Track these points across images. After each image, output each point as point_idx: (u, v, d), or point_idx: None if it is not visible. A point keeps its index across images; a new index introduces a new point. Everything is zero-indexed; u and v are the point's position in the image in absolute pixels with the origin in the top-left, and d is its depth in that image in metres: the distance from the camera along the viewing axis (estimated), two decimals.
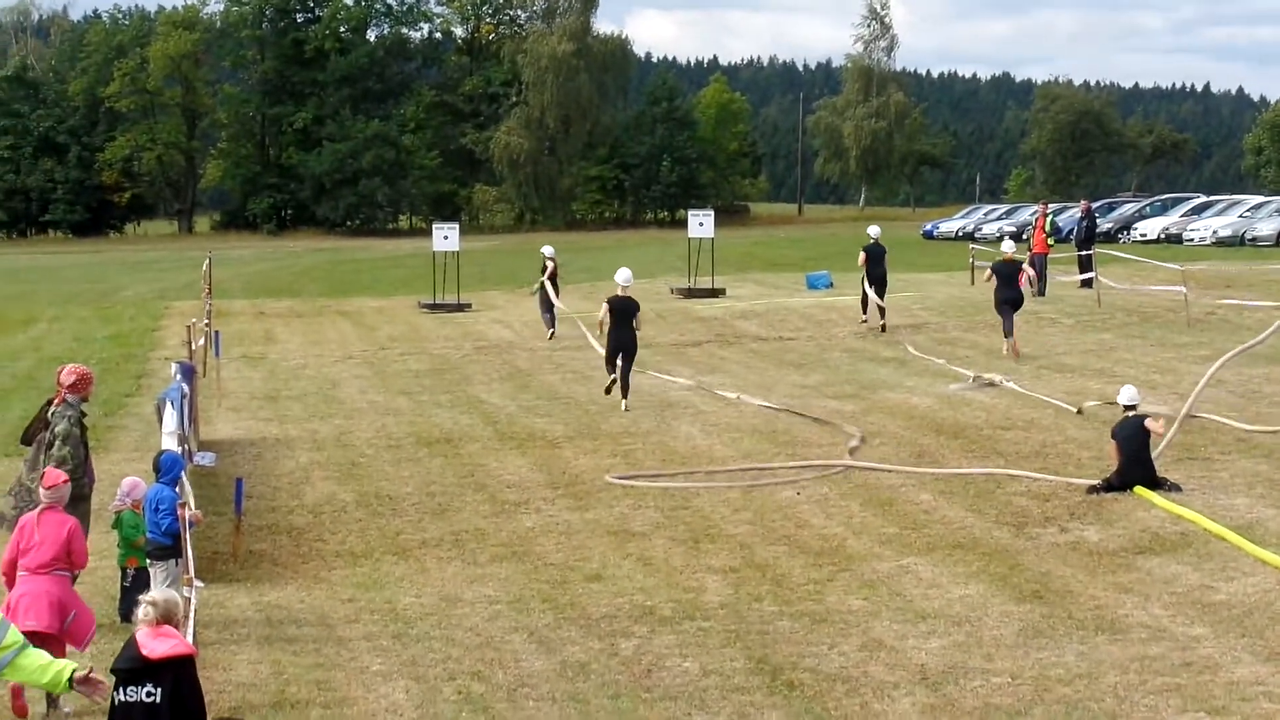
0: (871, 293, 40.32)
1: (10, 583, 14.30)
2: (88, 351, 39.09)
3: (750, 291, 52.64)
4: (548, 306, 41.44)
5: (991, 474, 22.72)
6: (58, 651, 14.02)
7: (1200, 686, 13.79)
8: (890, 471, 23.31)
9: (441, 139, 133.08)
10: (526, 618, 16.59)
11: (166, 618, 10.32)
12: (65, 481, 14.68)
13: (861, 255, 40.97)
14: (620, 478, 23.32)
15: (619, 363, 29.57)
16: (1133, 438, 21.29)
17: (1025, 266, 40.88)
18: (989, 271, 36.13)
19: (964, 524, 20.16)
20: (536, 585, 17.92)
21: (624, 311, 29.79)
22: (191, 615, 12.63)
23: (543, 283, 41.56)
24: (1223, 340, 35.80)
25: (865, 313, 40.92)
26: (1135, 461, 21.20)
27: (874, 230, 42.28)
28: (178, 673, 10.04)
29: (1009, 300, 34.91)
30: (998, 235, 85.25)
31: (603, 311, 30.17)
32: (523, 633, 16.04)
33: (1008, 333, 34.87)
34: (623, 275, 30.84)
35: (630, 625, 16.22)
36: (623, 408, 29.21)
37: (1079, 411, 27.33)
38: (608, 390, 29.95)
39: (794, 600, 17.02)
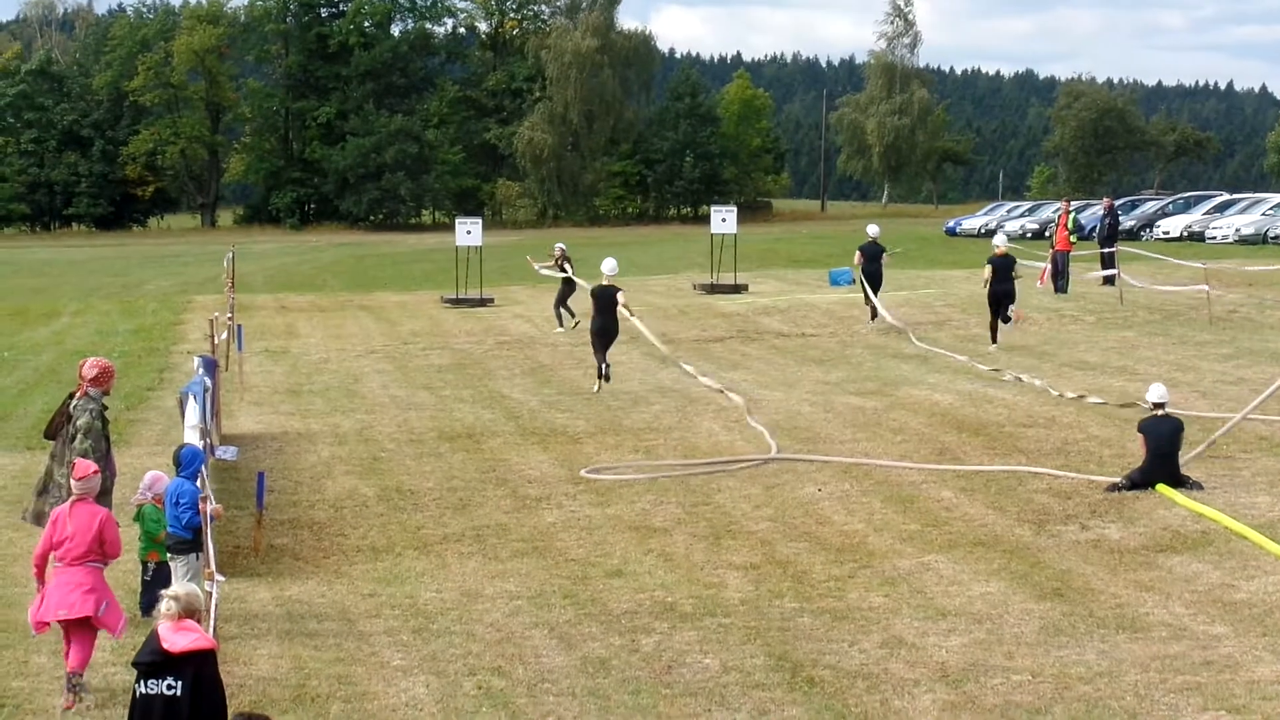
0: (867, 288, 40.67)
1: (41, 575, 14.37)
2: (110, 345, 39.19)
3: (773, 288, 52.63)
4: (562, 300, 41.50)
5: (957, 469, 22.72)
6: (90, 639, 14.15)
7: (1221, 685, 13.77)
8: (812, 461, 23.70)
9: (465, 134, 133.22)
10: (547, 613, 16.60)
11: (189, 612, 10.35)
12: (95, 472, 14.75)
13: (857, 254, 41.33)
14: (591, 471, 23.48)
15: (605, 351, 31.04)
16: (1164, 436, 21.25)
17: (1045, 265, 41.87)
18: (987, 267, 36.37)
19: (985, 521, 20.14)
20: (557, 581, 17.93)
21: (605, 300, 30.94)
22: (213, 610, 12.65)
23: (569, 277, 41.56)
24: (1245, 338, 35.78)
25: (874, 314, 40.99)
26: (1162, 459, 21.15)
27: (873, 229, 42.75)
28: (199, 666, 10.07)
29: (1003, 293, 35.72)
30: (1020, 232, 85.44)
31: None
32: (543, 628, 16.05)
33: (1004, 319, 35.91)
34: (607, 265, 32.06)
35: (651, 621, 16.22)
36: (595, 388, 30.87)
37: (1060, 395, 27.89)
38: (598, 385, 30.96)
39: (815, 597, 17.01)
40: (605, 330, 31.02)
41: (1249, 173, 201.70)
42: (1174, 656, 14.59)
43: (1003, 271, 35.86)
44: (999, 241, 37.28)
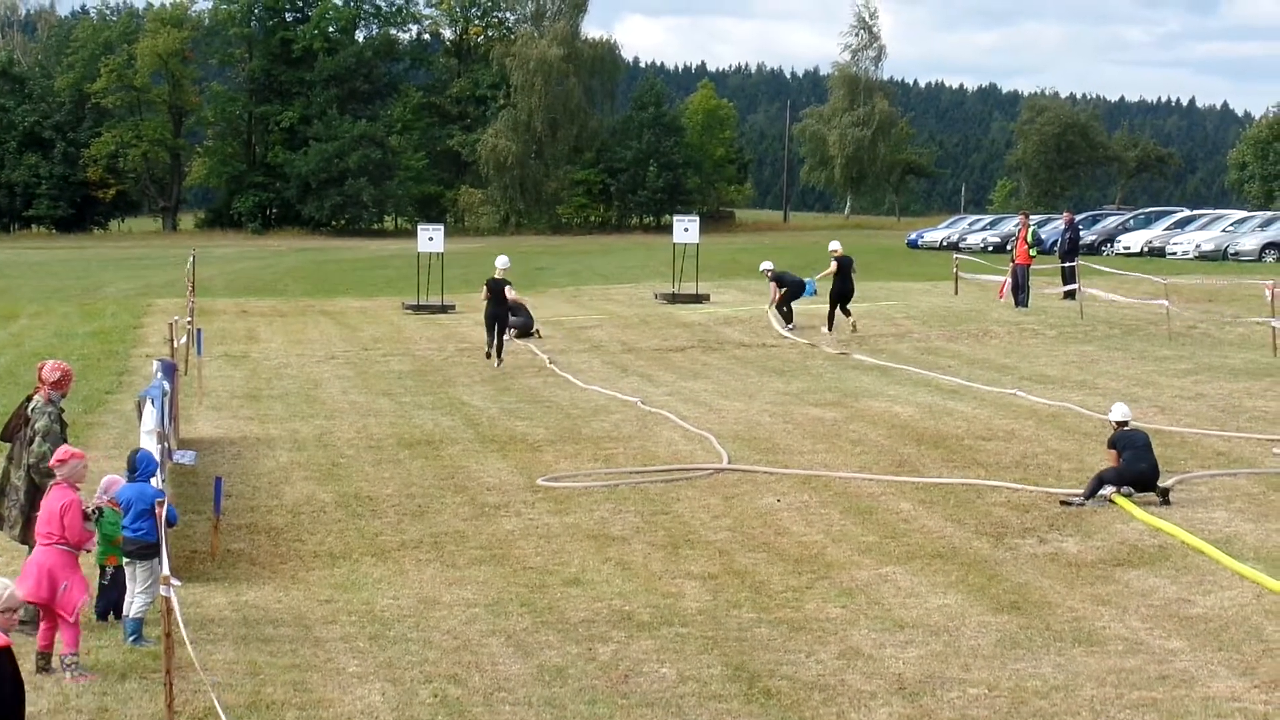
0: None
1: None
2: (69, 348, 39.00)
3: (734, 298, 52.69)
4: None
5: (920, 481, 22.76)
6: (51, 620, 14.38)
7: (1176, 701, 13.79)
8: (764, 473, 23.71)
9: (428, 140, 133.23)
10: (504, 621, 16.56)
11: (11, 608, 10.26)
12: (73, 457, 15.21)
13: (773, 289, 43.93)
14: (548, 480, 23.48)
15: (495, 332, 36.72)
16: (1140, 439, 21.35)
17: (1005, 278, 43.22)
18: (834, 263, 42.02)
19: (943, 534, 20.17)
20: (515, 589, 17.89)
21: (496, 291, 36.85)
22: (178, 613, 12.57)
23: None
24: (1204, 354, 35.92)
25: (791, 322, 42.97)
26: (1142, 452, 21.17)
27: (766, 266, 45.97)
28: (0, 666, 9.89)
29: (843, 291, 41.68)
30: (982, 245, 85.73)
31: (483, 291, 37.48)
32: (500, 636, 16.01)
33: (831, 320, 41.55)
34: (500, 261, 38.89)
35: (608, 630, 16.19)
36: (496, 365, 35.95)
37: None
38: (487, 355, 36.76)
39: (772, 607, 17.00)
40: (496, 316, 36.78)
41: (1210, 189, 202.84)
42: (1130, 671, 14.62)
43: (844, 271, 41.51)
44: (835, 246, 43.23)
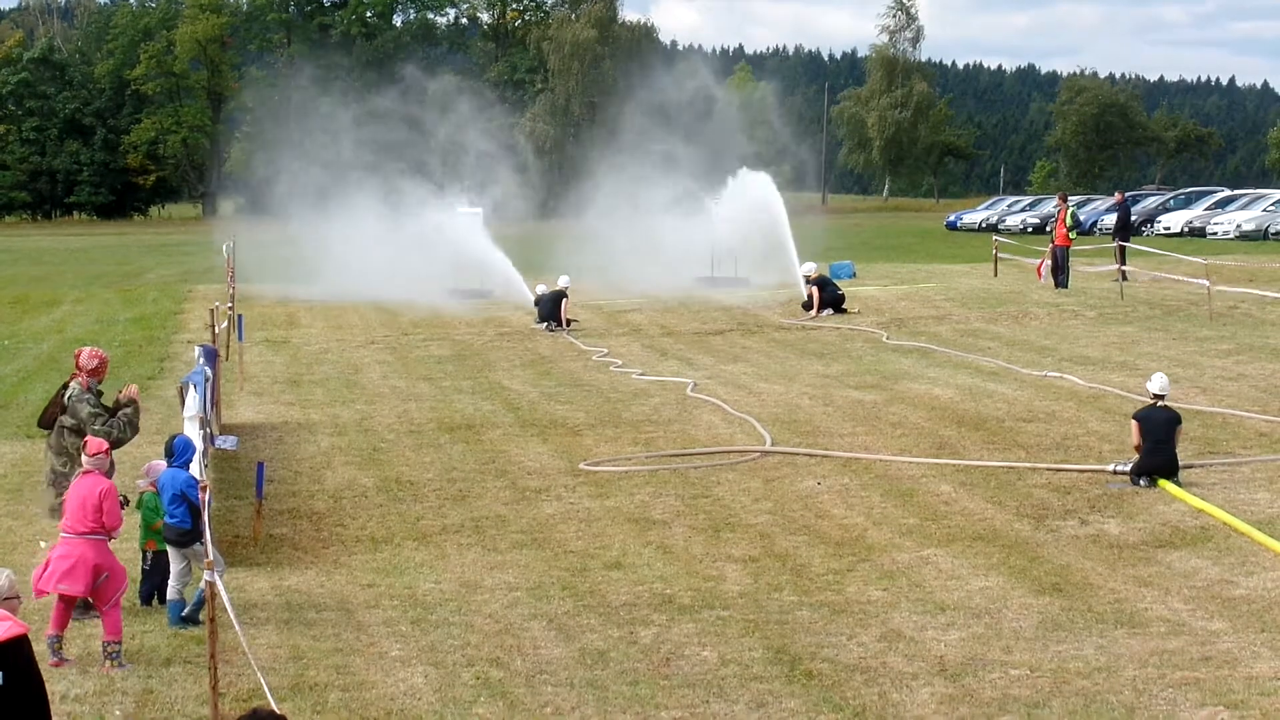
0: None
1: None
2: (110, 334, 39.19)
3: (773, 280, 52.58)
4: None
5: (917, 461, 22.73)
6: (99, 610, 14.47)
7: (1219, 681, 13.77)
8: (805, 456, 23.73)
9: None
10: (546, 605, 16.60)
11: (11, 596, 10.30)
12: (107, 451, 15.14)
13: (814, 293, 43.30)
14: (591, 465, 23.50)
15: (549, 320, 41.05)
16: (1161, 426, 21.30)
17: (1044, 259, 43.18)
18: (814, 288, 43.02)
19: (984, 516, 20.14)
20: (556, 572, 17.92)
21: (554, 297, 41.16)
22: (226, 598, 12.63)
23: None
24: (1245, 334, 35.77)
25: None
26: (1157, 449, 21.17)
27: (809, 269, 45.34)
28: (17, 654, 9.95)
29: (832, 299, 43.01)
30: (1021, 227, 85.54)
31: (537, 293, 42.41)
32: (542, 620, 16.05)
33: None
34: (562, 280, 42.20)
35: (649, 613, 16.21)
36: (550, 327, 40.21)
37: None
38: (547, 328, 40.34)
39: (813, 590, 17.00)
40: (548, 314, 40.85)
41: (1250, 169, 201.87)
42: (1172, 652, 14.59)
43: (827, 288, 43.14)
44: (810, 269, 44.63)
